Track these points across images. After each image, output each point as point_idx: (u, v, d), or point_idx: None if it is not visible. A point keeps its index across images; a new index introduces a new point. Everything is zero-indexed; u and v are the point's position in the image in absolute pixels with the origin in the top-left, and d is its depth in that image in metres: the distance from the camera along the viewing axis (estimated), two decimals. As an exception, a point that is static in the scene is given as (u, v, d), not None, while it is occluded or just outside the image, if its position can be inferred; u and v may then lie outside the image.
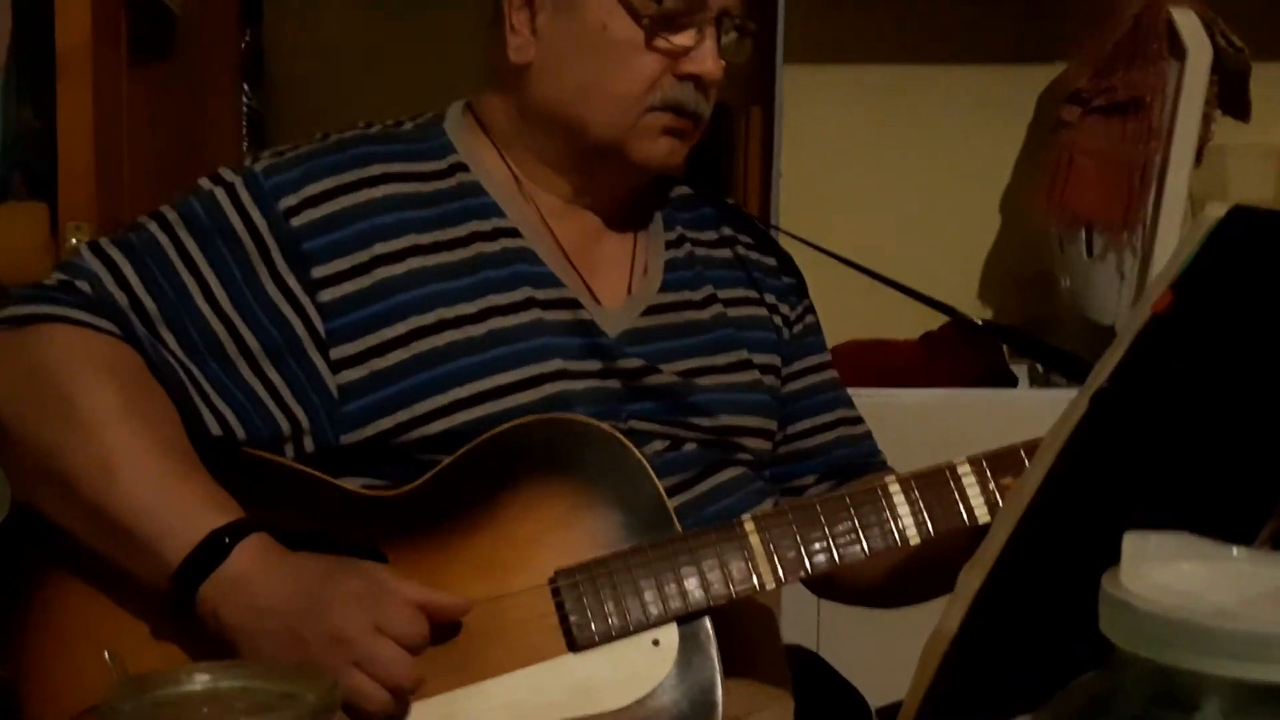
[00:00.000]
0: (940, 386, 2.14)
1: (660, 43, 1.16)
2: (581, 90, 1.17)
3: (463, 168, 1.21)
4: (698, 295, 1.26)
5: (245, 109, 2.47)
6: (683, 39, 1.17)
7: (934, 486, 1.10)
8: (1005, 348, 2.33)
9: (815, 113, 2.45)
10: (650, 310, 1.23)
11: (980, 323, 1.81)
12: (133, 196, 1.85)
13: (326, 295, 1.12)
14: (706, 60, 1.17)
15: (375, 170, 1.16)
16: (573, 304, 1.18)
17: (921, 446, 1.85)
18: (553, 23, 1.17)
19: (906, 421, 1.97)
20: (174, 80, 2.10)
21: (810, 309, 1.36)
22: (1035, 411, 1.78)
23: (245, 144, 2.43)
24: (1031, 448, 1.10)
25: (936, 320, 2.08)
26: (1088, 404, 0.65)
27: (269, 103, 2.56)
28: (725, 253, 1.32)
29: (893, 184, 2.50)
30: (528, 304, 1.16)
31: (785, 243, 1.37)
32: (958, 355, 2.20)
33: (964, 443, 1.90)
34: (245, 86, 2.46)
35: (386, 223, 1.14)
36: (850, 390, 1.38)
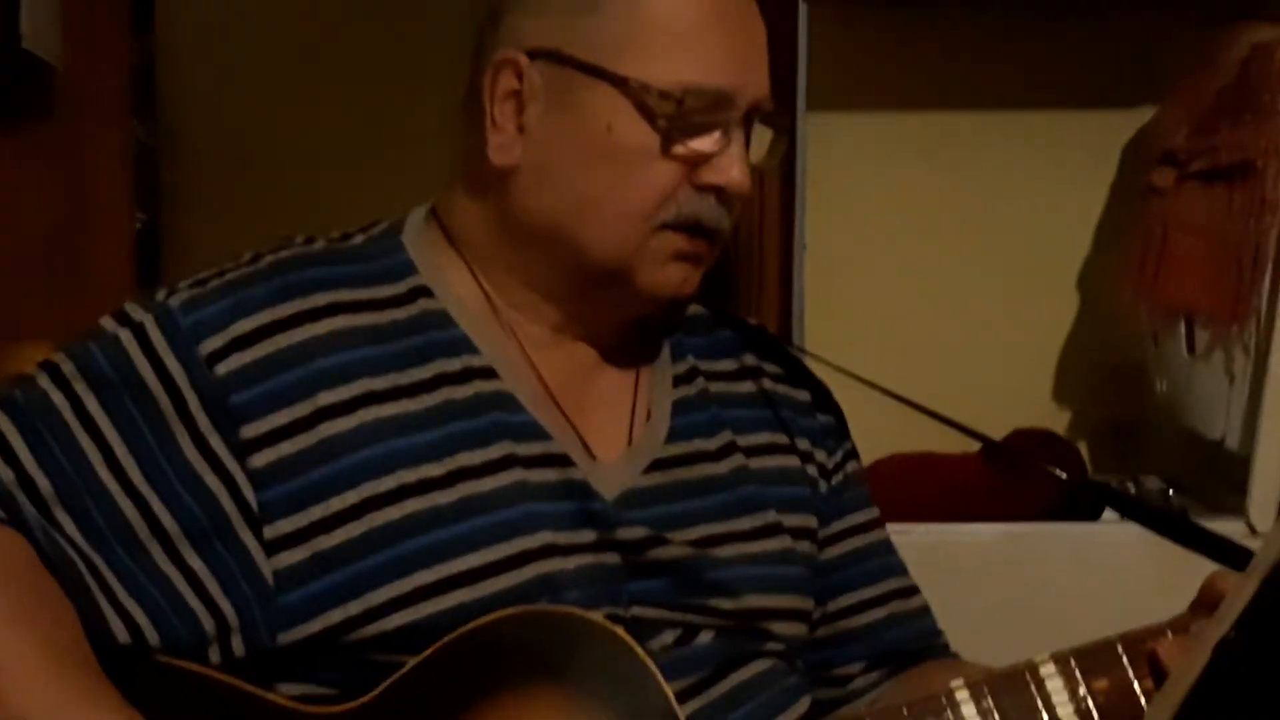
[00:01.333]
0: (1006, 515, 2.13)
1: (678, 149, 1.16)
2: (578, 203, 1.17)
3: (426, 292, 1.21)
4: (713, 444, 1.26)
5: (135, 144, 2.49)
6: (704, 144, 1.18)
7: (1011, 692, 1.10)
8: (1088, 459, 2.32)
9: (846, 170, 2.44)
10: (656, 465, 1.23)
11: (1061, 474, 1.66)
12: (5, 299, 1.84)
13: (259, 460, 1.11)
14: (732, 169, 1.18)
15: (319, 299, 1.16)
16: (561, 460, 1.18)
17: (984, 602, 1.89)
18: (545, 120, 1.18)
19: (965, 565, 2.00)
20: (54, 143, 2.10)
21: (852, 453, 1.36)
22: (1126, 552, 1.85)
23: (133, 188, 2.44)
24: (1132, 643, 1.10)
25: (1000, 424, 2.08)
26: (1209, 654, 0.67)
27: (163, 135, 2.59)
28: (747, 387, 1.32)
29: (943, 257, 2.50)
30: (507, 462, 1.16)
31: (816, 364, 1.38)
32: (1029, 471, 2.16)
33: (1036, 597, 1.93)
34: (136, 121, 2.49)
35: (333, 366, 1.14)
36: (894, 526, 1.38)
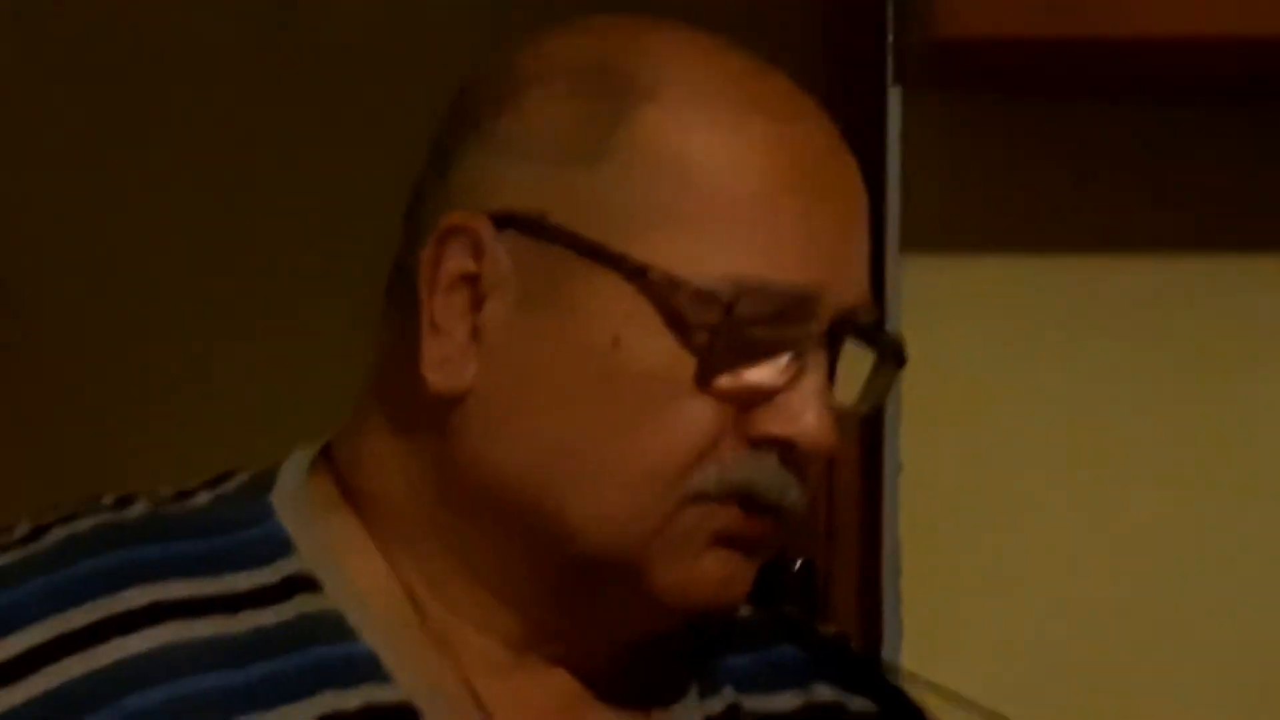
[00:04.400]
0: None
1: (723, 381, 0.97)
2: (562, 458, 0.99)
3: (309, 584, 1.01)
4: None
5: None
6: (764, 374, 0.98)
7: None
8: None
9: (961, 340, 1.99)
10: None
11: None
12: None
13: None
14: (806, 413, 0.98)
15: (136, 599, 0.98)
16: None
17: None
18: (515, 324, 0.99)
19: None
20: None
21: None
22: None
23: None
24: None
25: None
26: None
27: None
28: None
29: (1135, 490, 1.96)
30: None
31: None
32: None
33: None
34: None
35: (157, 704, 0.95)
36: None
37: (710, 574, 0.98)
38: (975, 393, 1.99)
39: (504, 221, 0.97)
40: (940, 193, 1.94)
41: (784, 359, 0.96)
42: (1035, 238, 1.99)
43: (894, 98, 1.82)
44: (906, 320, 1.82)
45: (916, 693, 1.16)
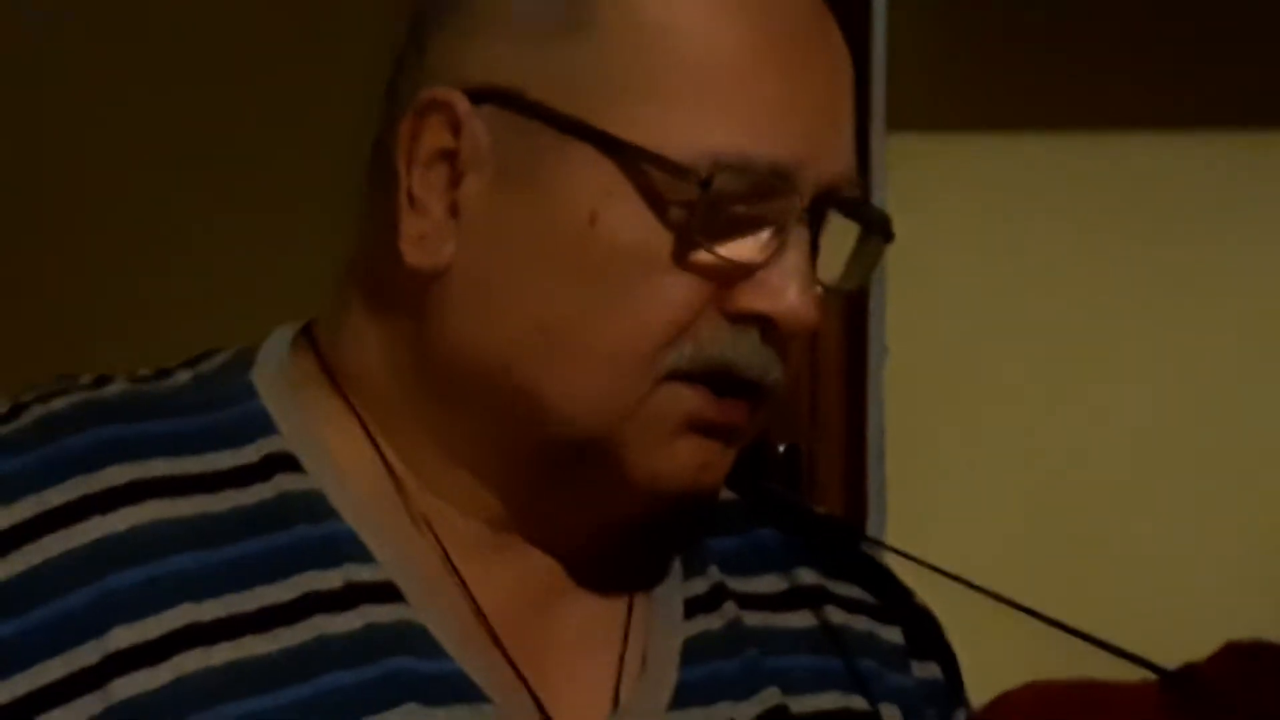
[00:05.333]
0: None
1: (701, 256, 0.96)
2: (539, 334, 0.98)
3: (289, 463, 1.01)
4: (749, 710, 1.07)
5: None
6: (744, 249, 0.97)
7: None
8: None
9: (950, 220, 2.00)
10: (656, 743, 1.05)
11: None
12: None
13: None
14: (787, 289, 0.97)
15: (116, 476, 0.97)
16: (502, 733, 1.00)
17: None
18: (493, 200, 0.98)
19: None
20: None
21: None
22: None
23: None
24: None
25: (1207, 638, 1.71)
26: None
27: None
28: (804, 619, 1.12)
29: (1116, 368, 1.98)
30: (414, 737, 0.98)
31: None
32: (1236, 706, 1.80)
33: None
34: None
35: (137, 584, 0.95)
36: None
37: (684, 460, 0.98)
38: (961, 273, 2.00)
39: (481, 96, 0.96)
40: (926, 71, 1.94)
41: (765, 234, 0.96)
42: (1021, 116, 1.99)
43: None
44: (892, 199, 1.81)
45: (900, 563, 1.16)
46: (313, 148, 1.85)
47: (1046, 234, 1.96)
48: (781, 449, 1.94)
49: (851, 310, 1.84)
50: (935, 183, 1.96)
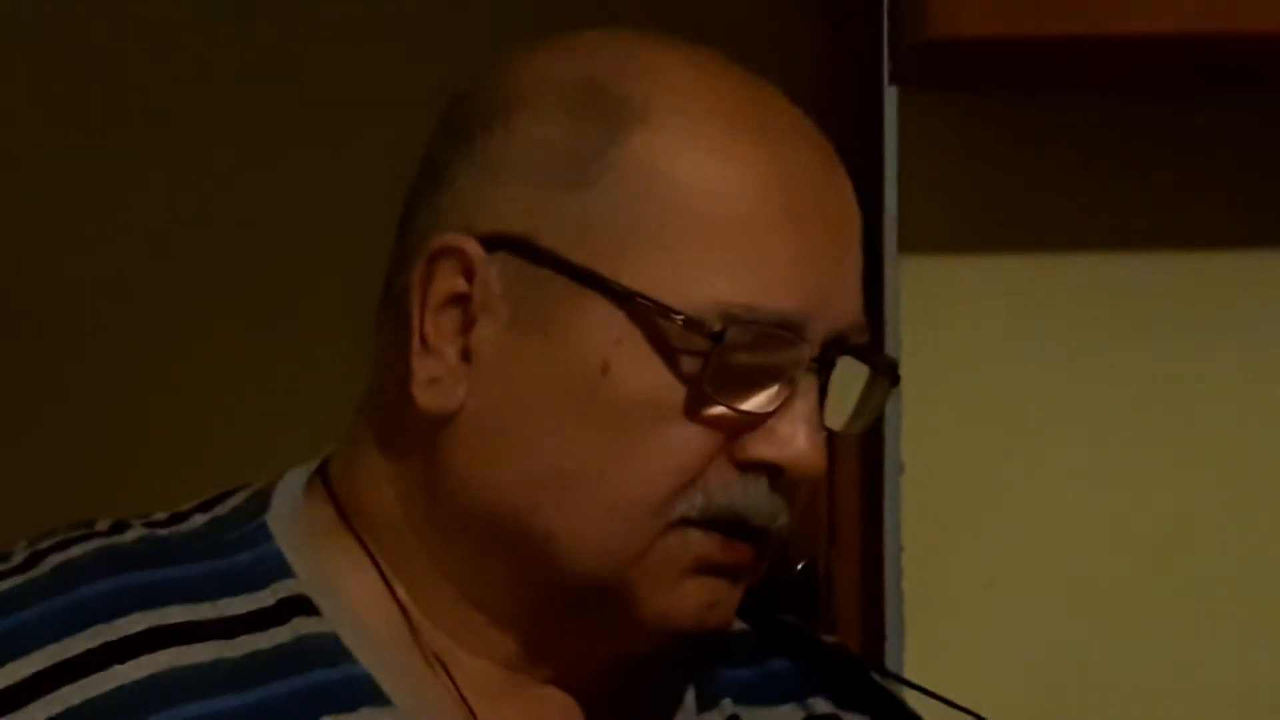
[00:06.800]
0: None
1: (712, 409, 0.96)
2: (550, 481, 0.98)
3: (306, 606, 1.01)
4: None
5: None
6: (754, 400, 0.97)
7: None
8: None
9: (964, 343, 1.95)
10: None
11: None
12: None
13: None
14: (796, 439, 0.97)
15: (134, 624, 0.97)
16: None
17: None
18: (505, 346, 0.98)
19: None
20: None
21: None
22: None
23: None
24: None
25: None
26: None
27: None
28: None
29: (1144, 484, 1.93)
30: None
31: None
32: None
33: None
34: None
35: None
36: None
37: (692, 601, 0.98)
38: (975, 392, 1.98)
39: (494, 243, 0.96)
40: (937, 193, 1.94)
41: (775, 387, 0.96)
42: (1033, 236, 1.98)
43: (891, 98, 1.81)
44: (906, 320, 1.82)
45: (914, 702, 1.15)
46: (331, 277, 1.85)
47: (1060, 351, 1.96)
48: (799, 566, 1.94)
49: (867, 429, 1.87)
50: (948, 303, 1.96)
